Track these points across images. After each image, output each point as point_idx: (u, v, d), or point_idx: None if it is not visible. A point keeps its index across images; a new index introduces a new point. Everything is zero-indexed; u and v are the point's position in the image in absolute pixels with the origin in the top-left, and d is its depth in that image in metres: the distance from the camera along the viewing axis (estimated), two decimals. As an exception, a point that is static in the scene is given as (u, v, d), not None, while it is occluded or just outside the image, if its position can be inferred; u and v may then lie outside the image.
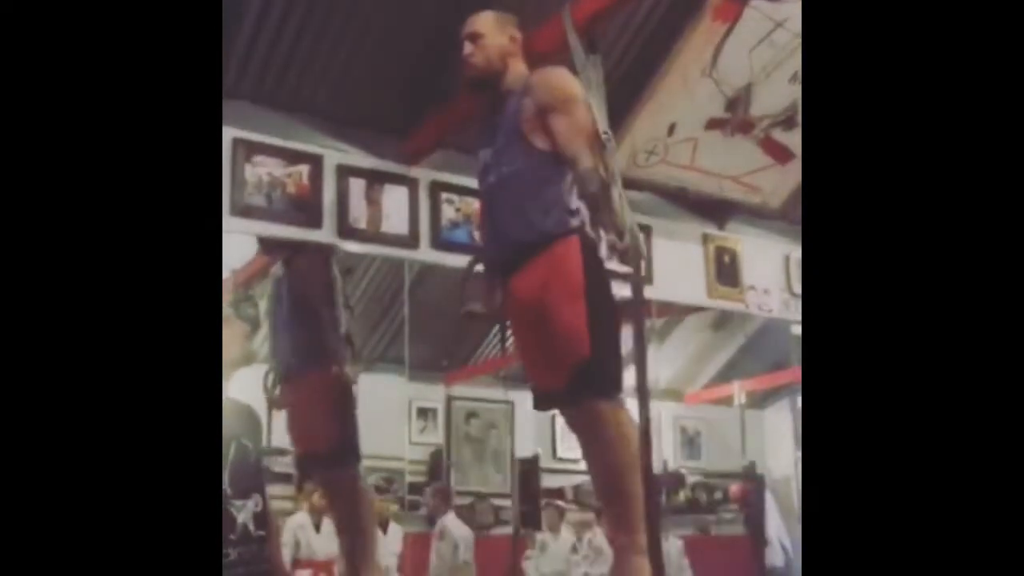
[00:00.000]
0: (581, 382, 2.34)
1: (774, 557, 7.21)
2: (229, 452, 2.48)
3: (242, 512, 2.51)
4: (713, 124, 4.09)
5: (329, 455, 3.34)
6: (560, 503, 6.80)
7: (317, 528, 5.63)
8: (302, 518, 5.65)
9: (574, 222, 2.50)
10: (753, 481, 7.74)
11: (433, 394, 7.05)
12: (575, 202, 2.51)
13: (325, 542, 5.43)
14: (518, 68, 2.73)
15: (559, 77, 2.61)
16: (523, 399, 7.59)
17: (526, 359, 2.60)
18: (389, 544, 5.67)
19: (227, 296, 3.10)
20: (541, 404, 2.54)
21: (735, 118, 4.09)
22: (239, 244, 4.53)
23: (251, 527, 2.51)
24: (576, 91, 2.59)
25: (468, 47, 2.72)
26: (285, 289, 3.58)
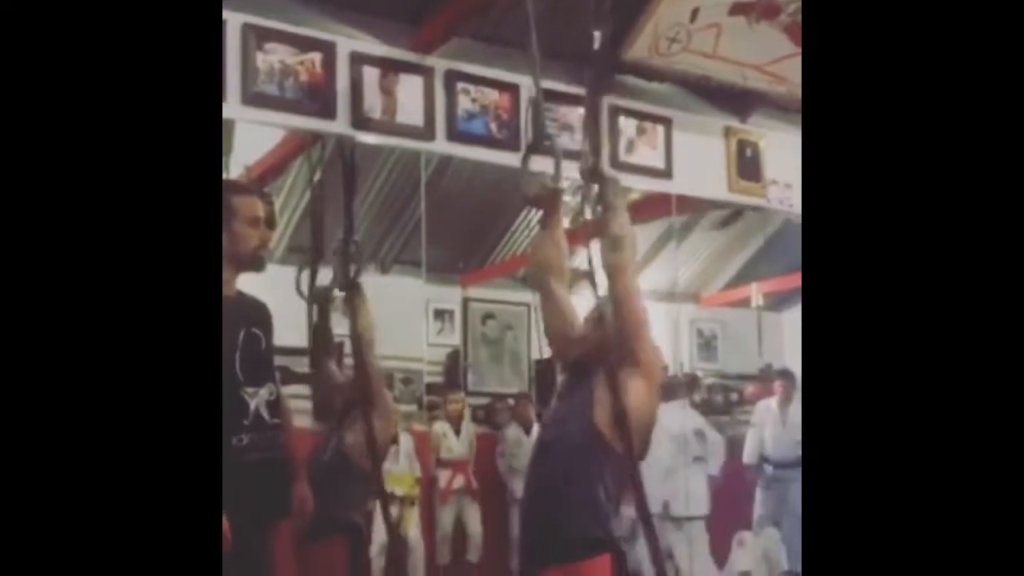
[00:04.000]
0: None
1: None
2: (238, 340, 2.45)
3: (255, 399, 2.49)
4: (737, 9, 3.96)
5: None
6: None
7: (457, 433, 6.41)
8: (442, 426, 6.38)
9: (613, 532, 2.41)
10: (769, 382, 7.74)
11: (450, 295, 7.04)
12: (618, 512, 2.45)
13: (462, 445, 6.37)
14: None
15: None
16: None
17: None
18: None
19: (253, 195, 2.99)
20: None
21: (761, 2, 3.95)
22: (252, 136, 4.47)
23: (265, 414, 2.49)
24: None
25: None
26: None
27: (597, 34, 2.56)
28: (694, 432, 6.39)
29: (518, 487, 6.41)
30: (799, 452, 6.09)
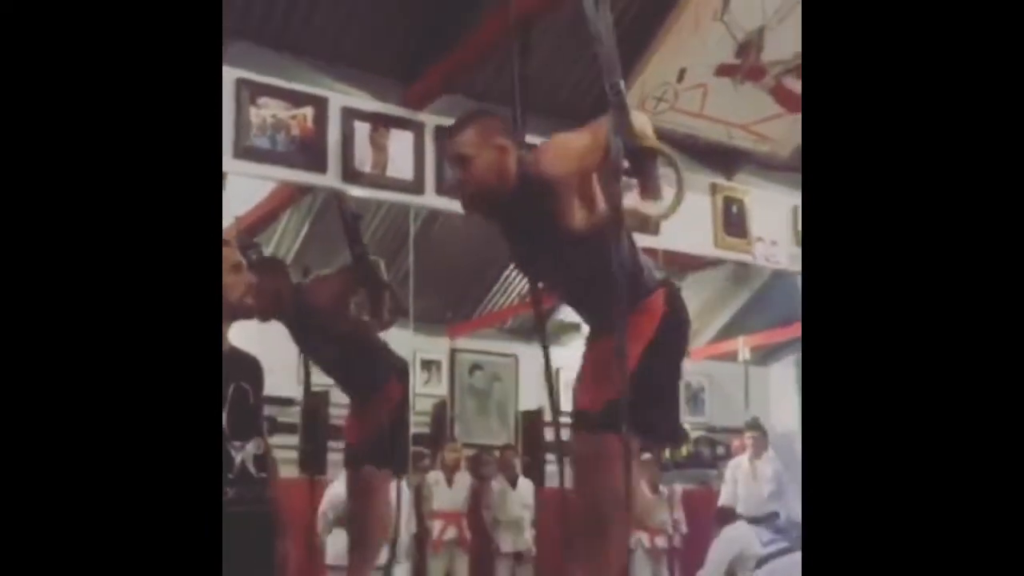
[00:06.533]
0: (612, 416, 2.27)
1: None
2: (227, 395, 2.45)
3: (240, 453, 2.49)
4: (724, 70, 4.04)
5: None
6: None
7: (449, 483, 6.29)
8: (436, 475, 6.28)
9: (658, 276, 2.47)
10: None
11: (437, 346, 7.04)
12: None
13: (455, 496, 6.24)
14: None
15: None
16: (526, 352, 7.51)
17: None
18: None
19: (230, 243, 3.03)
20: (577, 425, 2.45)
21: (746, 64, 4.04)
22: (244, 188, 4.50)
23: (252, 469, 2.48)
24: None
25: (459, 172, 2.49)
26: None
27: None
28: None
29: (503, 540, 6.38)
30: (771, 507, 6.06)
